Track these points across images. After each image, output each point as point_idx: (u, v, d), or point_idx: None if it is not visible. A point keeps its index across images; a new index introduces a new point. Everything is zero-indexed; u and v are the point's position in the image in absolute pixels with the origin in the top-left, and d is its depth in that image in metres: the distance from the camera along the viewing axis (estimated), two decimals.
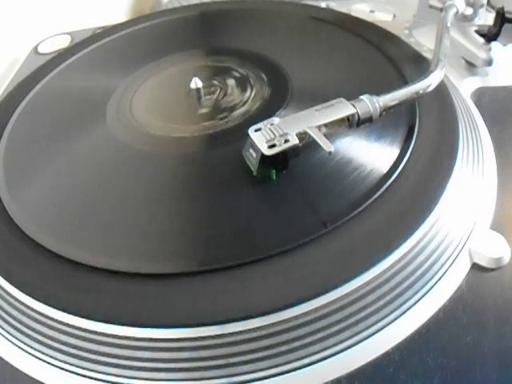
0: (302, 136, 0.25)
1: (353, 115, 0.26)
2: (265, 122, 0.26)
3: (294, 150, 0.25)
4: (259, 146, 0.25)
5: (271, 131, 0.25)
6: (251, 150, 0.26)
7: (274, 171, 0.26)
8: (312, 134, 0.25)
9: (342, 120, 0.26)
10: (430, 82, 0.29)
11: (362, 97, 0.27)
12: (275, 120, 0.26)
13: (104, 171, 0.29)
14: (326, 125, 0.26)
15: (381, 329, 0.22)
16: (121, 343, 0.22)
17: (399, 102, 0.28)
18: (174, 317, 0.21)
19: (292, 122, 0.26)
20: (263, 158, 0.25)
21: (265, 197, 0.26)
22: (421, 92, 0.28)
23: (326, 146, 0.24)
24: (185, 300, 0.22)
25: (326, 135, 0.25)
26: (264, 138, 0.25)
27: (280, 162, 0.26)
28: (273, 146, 0.25)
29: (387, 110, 0.27)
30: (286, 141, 0.25)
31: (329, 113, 0.26)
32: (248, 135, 0.26)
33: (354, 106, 0.26)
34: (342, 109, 0.26)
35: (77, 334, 0.22)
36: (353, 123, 0.27)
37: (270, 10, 0.42)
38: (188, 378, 0.21)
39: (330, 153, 0.24)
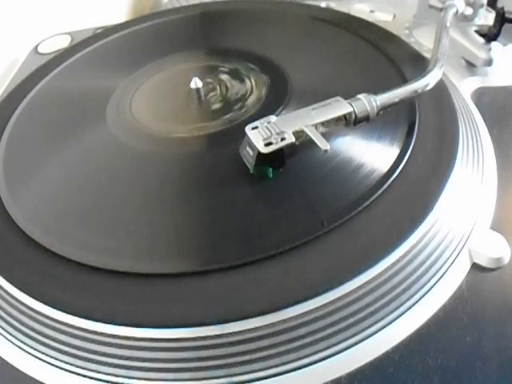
0: (299, 134, 0.25)
1: (350, 114, 0.26)
2: (262, 120, 0.26)
3: (290, 148, 0.25)
4: (256, 143, 0.25)
5: (268, 129, 0.26)
6: (248, 148, 0.26)
7: (270, 169, 0.26)
8: (308, 133, 0.25)
9: (338, 119, 0.26)
10: (427, 82, 0.29)
11: (359, 96, 0.27)
12: (272, 118, 0.26)
13: (104, 171, 0.29)
14: (322, 123, 0.26)
15: (381, 329, 0.22)
16: (121, 343, 0.22)
17: (397, 101, 0.28)
18: (174, 317, 0.21)
19: (289, 121, 0.26)
20: (260, 155, 0.25)
21: (264, 197, 0.26)
22: (419, 91, 0.28)
23: (322, 144, 0.24)
24: (184, 300, 0.22)
25: (323, 134, 0.25)
26: (261, 136, 0.25)
27: (276, 160, 0.26)
28: (269, 144, 0.25)
29: (385, 109, 0.27)
30: (283, 139, 0.25)
31: (326, 111, 0.26)
32: (245, 133, 0.26)
33: (350, 104, 0.26)
34: (339, 107, 0.26)
35: (77, 333, 0.22)
36: (350, 122, 0.27)
37: (270, 10, 0.42)
38: (188, 378, 0.21)
39: (325, 151, 0.24)
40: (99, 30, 0.46)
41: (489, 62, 0.36)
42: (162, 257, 0.24)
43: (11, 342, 0.24)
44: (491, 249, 0.24)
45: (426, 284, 0.23)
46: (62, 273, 0.24)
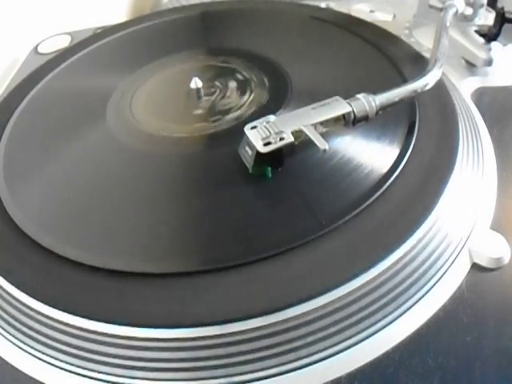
0: (298, 134, 0.25)
1: (349, 114, 0.26)
2: (261, 119, 0.26)
3: (289, 147, 0.25)
4: (254, 143, 0.25)
5: (267, 129, 0.26)
6: (247, 148, 0.26)
7: (269, 169, 0.26)
8: (307, 132, 0.25)
9: (337, 118, 0.26)
10: (427, 81, 0.29)
11: (358, 95, 0.27)
12: (271, 118, 0.26)
13: (103, 171, 0.29)
14: (321, 123, 0.26)
15: (381, 329, 0.22)
16: (121, 343, 0.22)
17: (396, 100, 0.28)
18: (174, 317, 0.21)
19: (288, 120, 0.26)
20: (258, 155, 0.25)
21: (263, 196, 0.26)
22: (418, 91, 0.28)
23: (321, 143, 0.24)
24: (185, 300, 0.22)
25: (322, 134, 0.25)
26: (259, 136, 0.25)
27: (275, 159, 0.26)
28: (268, 143, 0.25)
29: (384, 109, 0.27)
30: (282, 139, 0.25)
31: (324, 111, 0.26)
32: (244, 133, 0.26)
33: (349, 104, 0.27)
34: (338, 107, 0.26)
35: (77, 333, 0.22)
36: (349, 122, 0.27)
37: (270, 10, 0.42)
38: (188, 378, 0.21)
39: (324, 151, 0.24)
40: (99, 30, 0.46)
41: (489, 62, 0.36)
42: (162, 257, 0.24)
43: (11, 341, 0.24)
44: (491, 249, 0.24)
45: (426, 284, 0.23)
46: (62, 272, 0.24)
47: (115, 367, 0.22)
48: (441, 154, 0.27)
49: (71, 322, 0.22)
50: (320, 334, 0.21)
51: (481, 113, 0.33)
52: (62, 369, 0.22)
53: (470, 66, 0.37)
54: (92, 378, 0.22)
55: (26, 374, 0.23)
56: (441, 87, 0.30)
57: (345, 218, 0.24)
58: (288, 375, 0.21)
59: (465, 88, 0.35)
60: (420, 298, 0.23)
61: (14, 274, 0.24)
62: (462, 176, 0.26)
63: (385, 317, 0.22)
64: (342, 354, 0.21)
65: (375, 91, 0.27)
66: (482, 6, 0.37)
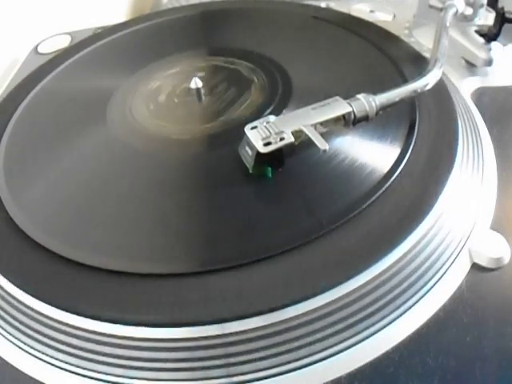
0: (298, 134, 0.25)
1: (349, 114, 0.26)
2: (261, 119, 0.26)
3: (289, 147, 0.25)
4: (255, 143, 0.25)
5: (267, 129, 0.26)
6: (247, 148, 0.26)
7: (269, 169, 0.26)
8: (307, 132, 0.25)
9: (337, 118, 0.26)
10: (427, 81, 0.29)
11: (358, 95, 0.27)
12: (271, 118, 0.26)
13: (104, 171, 0.29)
14: (321, 123, 0.26)
15: (381, 329, 0.22)
16: (121, 343, 0.22)
17: (396, 100, 0.28)
18: (174, 317, 0.21)
19: (288, 120, 0.26)
20: (259, 155, 0.25)
21: (264, 197, 0.26)
22: (418, 91, 0.28)
23: (321, 143, 0.24)
24: (184, 300, 0.22)
25: (323, 134, 0.25)
26: (260, 136, 0.25)
27: (275, 159, 0.26)
28: (268, 143, 0.25)
29: (384, 109, 0.27)
30: (282, 139, 0.25)
31: (324, 111, 0.26)
32: (244, 133, 0.26)
33: (350, 104, 0.27)
34: (338, 107, 0.27)
35: (77, 333, 0.22)
36: (349, 122, 0.27)
37: (270, 10, 0.42)
38: (188, 378, 0.21)
39: (324, 151, 0.24)
40: (99, 30, 0.46)
41: (489, 62, 0.36)
42: (161, 257, 0.24)
43: (11, 341, 0.24)
44: (491, 249, 0.24)
45: (426, 284, 0.23)
46: (62, 272, 0.24)
47: (115, 367, 0.22)
48: (440, 154, 0.27)
49: (71, 322, 0.22)
50: (320, 334, 0.21)
51: (481, 113, 0.33)
52: (62, 369, 0.22)
53: (470, 66, 0.37)
54: (92, 377, 0.22)
55: (26, 374, 0.23)
56: (441, 87, 0.30)
57: (344, 219, 0.24)
58: (288, 375, 0.21)
59: (465, 88, 0.35)
60: (420, 298, 0.23)
61: (14, 274, 0.24)
62: (462, 176, 0.27)
63: (385, 317, 0.22)
64: (341, 354, 0.21)
65: (375, 91, 0.27)
66: (482, 5, 0.37)
